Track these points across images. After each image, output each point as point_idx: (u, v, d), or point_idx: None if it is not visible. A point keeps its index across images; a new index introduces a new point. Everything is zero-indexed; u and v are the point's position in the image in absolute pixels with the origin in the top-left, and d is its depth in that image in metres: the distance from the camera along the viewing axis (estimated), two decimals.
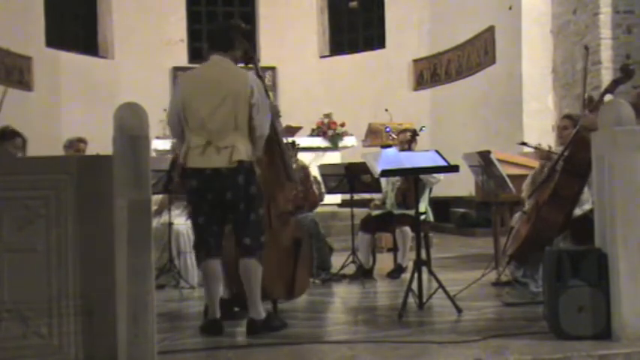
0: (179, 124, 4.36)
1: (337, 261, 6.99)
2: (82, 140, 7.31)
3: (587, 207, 5.26)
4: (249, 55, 4.90)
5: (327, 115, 11.84)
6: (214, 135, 4.23)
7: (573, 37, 10.48)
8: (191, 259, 6.52)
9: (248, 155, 4.26)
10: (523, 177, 6.45)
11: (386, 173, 5.61)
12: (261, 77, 5.01)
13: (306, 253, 5.23)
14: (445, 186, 7.52)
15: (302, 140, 9.05)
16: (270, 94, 14.91)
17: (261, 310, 4.37)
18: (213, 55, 4.43)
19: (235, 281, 4.79)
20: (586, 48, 5.97)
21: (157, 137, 10.81)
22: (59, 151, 7.38)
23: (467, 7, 12.90)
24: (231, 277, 4.83)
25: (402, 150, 6.69)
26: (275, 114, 4.96)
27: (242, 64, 4.98)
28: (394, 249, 7.24)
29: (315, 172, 7.56)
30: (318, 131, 11.68)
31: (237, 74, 4.38)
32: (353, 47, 15.53)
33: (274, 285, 4.81)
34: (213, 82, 4.31)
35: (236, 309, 5.01)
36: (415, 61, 14.50)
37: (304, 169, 7.41)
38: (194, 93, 4.31)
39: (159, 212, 6.75)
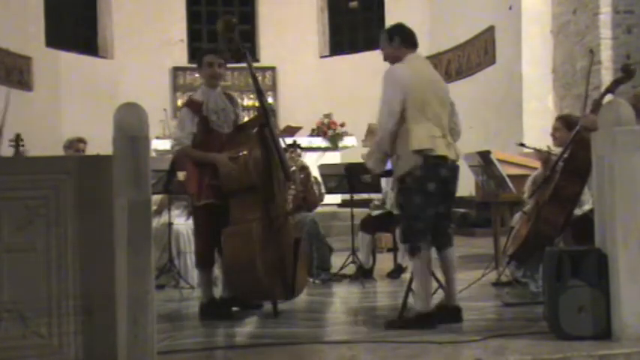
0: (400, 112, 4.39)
1: (337, 261, 6.99)
2: (81, 140, 7.31)
3: (587, 207, 5.26)
4: (242, 52, 4.94)
5: (327, 115, 11.85)
6: (446, 130, 4.49)
7: (573, 37, 10.48)
8: (191, 259, 6.53)
9: None
10: (523, 177, 6.44)
11: (386, 173, 5.61)
12: (254, 77, 5.05)
13: (304, 252, 5.26)
14: None
15: (302, 140, 9.07)
16: (270, 93, 14.95)
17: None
18: (412, 52, 4.56)
19: (233, 282, 4.81)
20: (591, 52, 5.95)
21: (157, 137, 10.83)
22: (59, 151, 7.37)
23: (467, 7, 12.90)
24: (230, 277, 4.83)
25: None
26: (271, 113, 5.00)
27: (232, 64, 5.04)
28: (394, 249, 7.24)
29: (315, 172, 7.56)
30: (318, 131, 11.69)
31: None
32: (353, 47, 15.53)
33: (276, 286, 4.81)
34: (435, 79, 4.62)
35: (235, 309, 5.02)
36: None
37: (304, 169, 7.42)
38: (422, 85, 4.42)
39: (159, 212, 6.75)
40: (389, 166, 5.26)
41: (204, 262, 4.99)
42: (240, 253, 4.64)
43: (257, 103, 5.17)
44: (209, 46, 15.26)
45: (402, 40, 4.57)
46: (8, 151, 5.86)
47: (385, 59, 4.64)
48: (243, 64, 4.95)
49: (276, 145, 4.97)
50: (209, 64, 4.99)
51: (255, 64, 14.72)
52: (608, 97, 4.83)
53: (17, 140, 5.90)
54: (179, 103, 14.42)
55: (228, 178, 4.73)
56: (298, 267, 5.01)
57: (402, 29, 4.64)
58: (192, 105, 4.97)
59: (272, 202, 4.88)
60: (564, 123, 5.62)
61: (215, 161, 4.79)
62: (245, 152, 4.77)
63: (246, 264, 4.61)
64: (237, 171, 4.72)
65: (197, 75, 14.22)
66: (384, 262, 7.42)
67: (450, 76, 13.72)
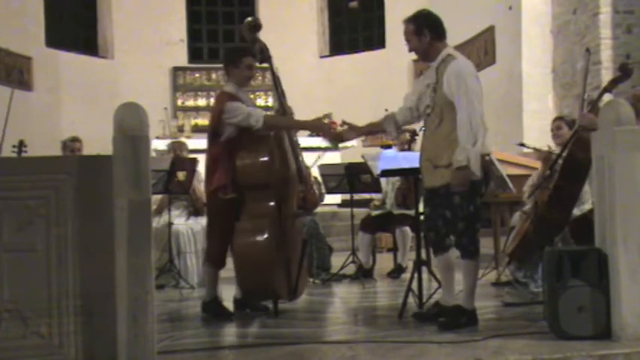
0: None
1: (337, 261, 6.99)
2: (76, 139, 7.30)
3: (586, 207, 5.26)
4: (266, 54, 5.00)
5: (327, 115, 11.83)
6: None
7: (573, 37, 10.47)
8: (191, 259, 6.53)
9: None
10: (523, 177, 6.45)
11: (386, 173, 5.62)
12: (277, 78, 5.09)
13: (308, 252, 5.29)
14: None
15: (302, 140, 9.05)
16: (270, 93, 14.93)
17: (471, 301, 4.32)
18: (446, 45, 4.52)
19: (242, 279, 4.80)
20: (587, 50, 5.95)
21: (157, 137, 10.83)
22: (59, 151, 7.38)
23: (467, 7, 12.89)
24: (241, 274, 4.83)
25: (402, 150, 6.70)
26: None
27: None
28: (394, 249, 7.24)
29: (315, 172, 7.56)
30: None
31: None
32: (353, 47, 15.52)
33: (282, 285, 4.82)
34: None
35: (247, 310, 5.03)
36: (415, 61, 14.47)
37: (305, 169, 7.42)
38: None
39: (159, 212, 6.75)
40: (388, 165, 5.27)
41: (214, 261, 4.92)
42: (252, 251, 4.65)
43: (272, 104, 5.23)
44: (209, 46, 15.36)
45: (434, 32, 4.48)
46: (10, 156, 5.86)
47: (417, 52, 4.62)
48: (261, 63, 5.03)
49: (292, 146, 4.99)
50: (249, 67, 5.01)
51: (255, 64, 14.80)
52: (607, 97, 4.84)
53: (20, 146, 5.90)
54: (179, 102, 14.42)
55: (245, 174, 4.71)
56: (303, 268, 5.03)
57: (429, 19, 4.55)
58: (234, 99, 4.89)
59: (284, 203, 4.88)
60: (565, 121, 5.66)
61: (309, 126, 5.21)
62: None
63: (257, 262, 4.63)
64: (258, 166, 4.71)
65: (196, 75, 14.42)
66: (384, 262, 7.42)
67: None
